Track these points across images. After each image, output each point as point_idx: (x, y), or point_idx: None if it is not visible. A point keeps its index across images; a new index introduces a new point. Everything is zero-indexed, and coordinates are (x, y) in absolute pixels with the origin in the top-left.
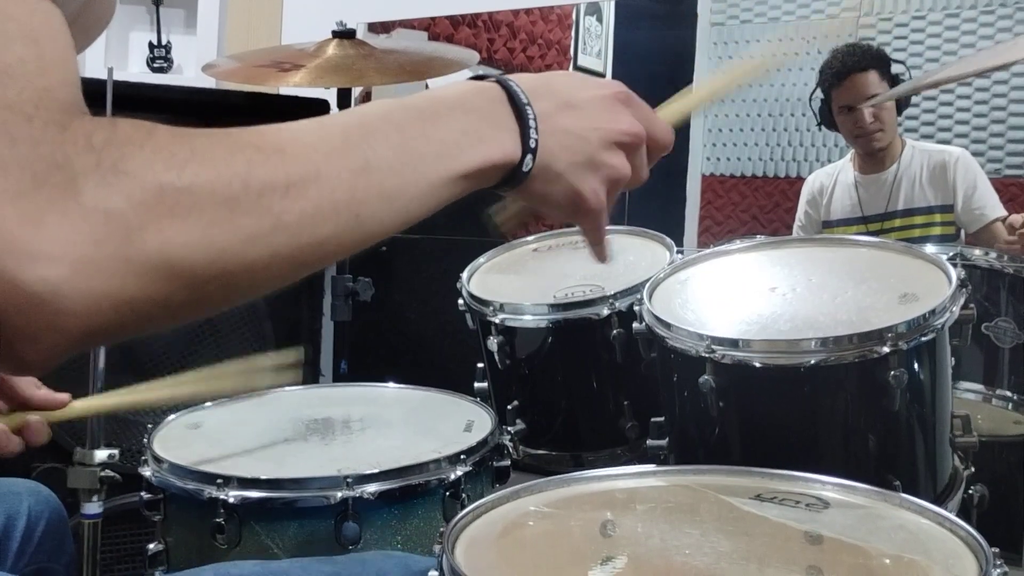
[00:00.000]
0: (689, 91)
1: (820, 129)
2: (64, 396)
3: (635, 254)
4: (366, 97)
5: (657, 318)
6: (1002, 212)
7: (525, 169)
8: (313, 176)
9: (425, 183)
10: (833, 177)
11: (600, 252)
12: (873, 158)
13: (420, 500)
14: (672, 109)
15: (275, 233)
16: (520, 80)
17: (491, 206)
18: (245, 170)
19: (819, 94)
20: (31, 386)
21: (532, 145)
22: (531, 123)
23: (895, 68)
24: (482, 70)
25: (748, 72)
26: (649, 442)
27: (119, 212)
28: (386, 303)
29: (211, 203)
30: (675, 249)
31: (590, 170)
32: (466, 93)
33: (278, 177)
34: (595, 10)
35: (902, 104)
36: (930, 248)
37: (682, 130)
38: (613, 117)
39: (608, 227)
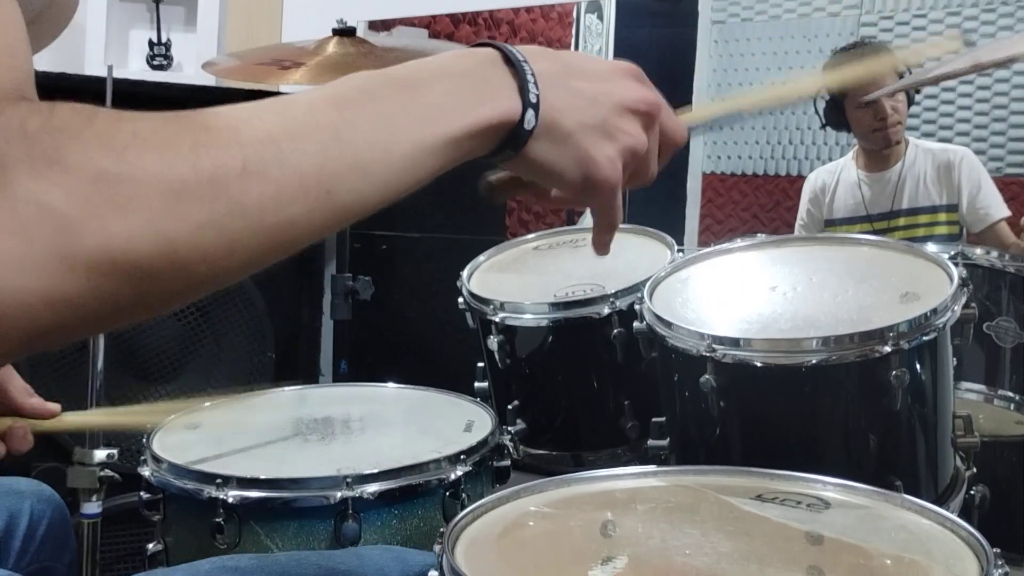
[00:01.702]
0: (715, 101)
1: (823, 128)
2: (54, 407)
3: (636, 253)
4: None
5: (658, 317)
6: (1006, 212)
7: (528, 127)
8: (273, 154)
9: (408, 152)
10: (836, 175)
11: (606, 240)
12: (878, 156)
13: (420, 500)
14: (691, 116)
15: (232, 218)
16: (520, 47)
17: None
18: (192, 152)
19: (823, 94)
20: (23, 393)
21: (533, 100)
22: (529, 78)
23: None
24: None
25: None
26: (650, 442)
27: (53, 205)
28: (386, 302)
29: (156, 191)
30: (676, 248)
31: (604, 136)
32: (453, 57)
33: (232, 157)
34: (596, 8)
35: (911, 98)
36: (931, 247)
37: None
38: (627, 84)
39: None
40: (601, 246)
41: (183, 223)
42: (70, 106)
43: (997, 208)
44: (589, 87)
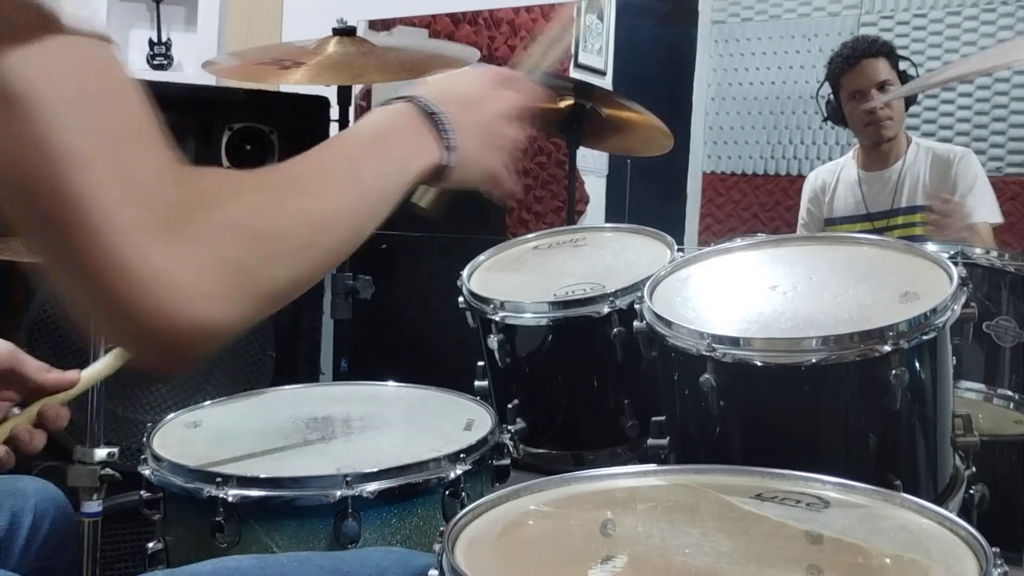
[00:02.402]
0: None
1: (825, 126)
2: (73, 374)
3: (636, 252)
4: (366, 95)
5: (658, 316)
6: (994, 219)
7: (451, 165)
8: (336, 211)
9: (393, 194)
10: (836, 174)
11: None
12: (878, 154)
13: (420, 499)
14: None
15: (321, 258)
16: (425, 92)
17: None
18: (307, 218)
19: (826, 89)
20: (41, 371)
21: (451, 144)
22: (447, 128)
23: (902, 64)
24: (482, 67)
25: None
26: (649, 441)
27: (239, 259)
28: (386, 301)
29: (297, 246)
30: (676, 247)
31: (496, 150)
32: (392, 117)
33: (324, 218)
34: (596, 8)
35: (910, 99)
36: (931, 247)
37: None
38: (500, 95)
39: (609, 225)
40: (499, 200)
41: (305, 268)
42: (216, 171)
43: (983, 212)
44: (479, 116)
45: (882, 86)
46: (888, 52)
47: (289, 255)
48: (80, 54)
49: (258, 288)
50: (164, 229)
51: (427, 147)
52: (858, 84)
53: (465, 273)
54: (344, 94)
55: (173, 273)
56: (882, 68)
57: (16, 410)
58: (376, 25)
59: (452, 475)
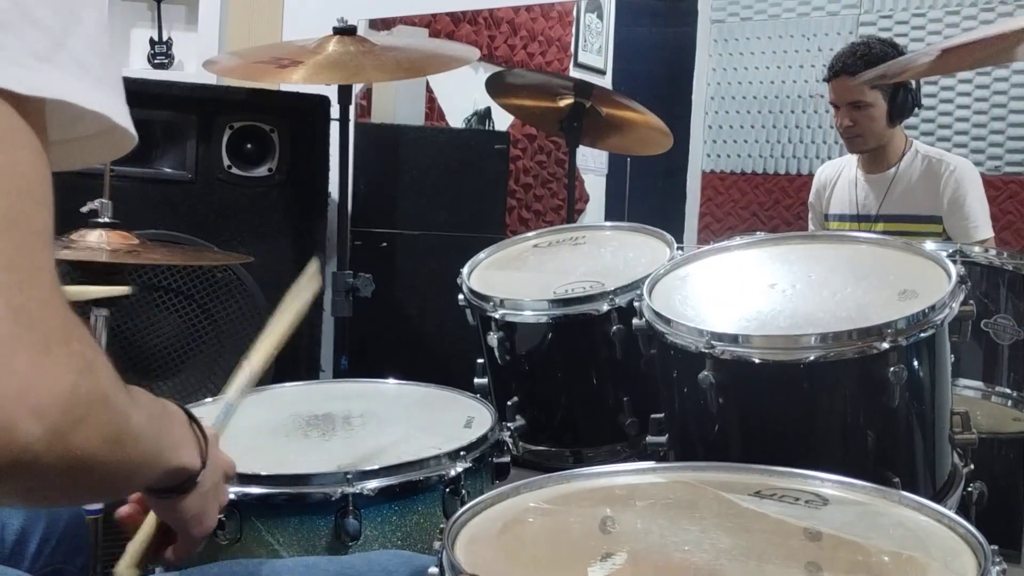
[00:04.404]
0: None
1: (824, 125)
2: None
3: (635, 250)
4: (367, 94)
5: (657, 314)
6: (980, 235)
7: (199, 479)
8: (140, 434)
9: (154, 466)
10: (838, 171)
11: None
12: (873, 157)
13: (420, 496)
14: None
15: (110, 469)
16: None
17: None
18: (127, 418)
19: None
20: None
21: (204, 463)
22: (204, 445)
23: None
24: (482, 67)
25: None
26: (649, 438)
27: (84, 403)
28: (386, 299)
29: (114, 431)
30: (675, 245)
31: (216, 496)
32: (170, 407)
33: (136, 432)
34: (596, 7)
35: (896, 113)
36: (930, 245)
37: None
38: (224, 455)
39: (609, 223)
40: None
41: (104, 458)
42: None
43: (972, 231)
44: (216, 455)
45: (855, 104)
46: (873, 66)
47: (110, 424)
48: None
49: (83, 435)
50: (38, 347)
51: (190, 450)
52: (832, 98)
53: (465, 271)
54: (344, 93)
55: (32, 382)
56: (856, 87)
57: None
58: (376, 24)
59: (452, 472)
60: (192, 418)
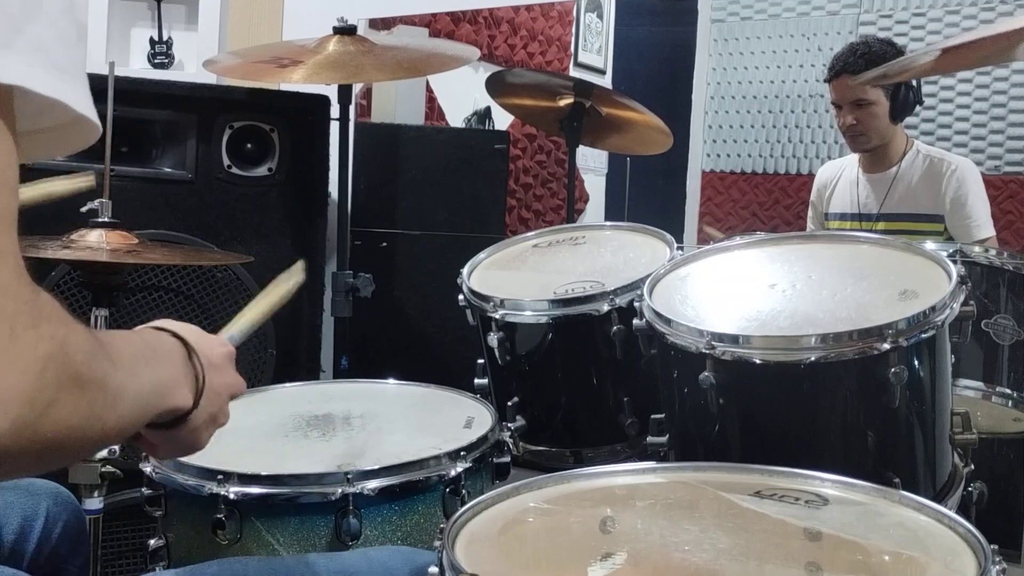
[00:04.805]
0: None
1: (824, 125)
2: None
3: (635, 250)
4: (367, 94)
5: (657, 314)
6: (982, 234)
7: (189, 418)
8: (121, 391)
9: (145, 413)
10: (840, 171)
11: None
12: (874, 157)
13: (420, 496)
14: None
15: (94, 433)
16: (192, 341)
17: None
18: (107, 381)
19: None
20: None
21: (199, 402)
22: (202, 382)
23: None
24: (482, 67)
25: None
26: (649, 439)
27: (54, 382)
28: (387, 299)
29: (92, 400)
30: (675, 245)
31: (213, 422)
32: (166, 346)
33: (115, 391)
34: (596, 6)
35: (899, 110)
36: (930, 245)
37: (682, 127)
38: (233, 376)
39: (609, 223)
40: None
41: (83, 425)
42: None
43: (973, 230)
44: (218, 382)
45: (858, 103)
46: (869, 67)
47: (83, 402)
48: None
49: (52, 420)
50: (3, 335)
51: (183, 391)
52: (834, 98)
53: (465, 271)
54: (345, 93)
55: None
56: (857, 85)
57: None
58: (376, 24)
59: (452, 472)
60: (190, 350)
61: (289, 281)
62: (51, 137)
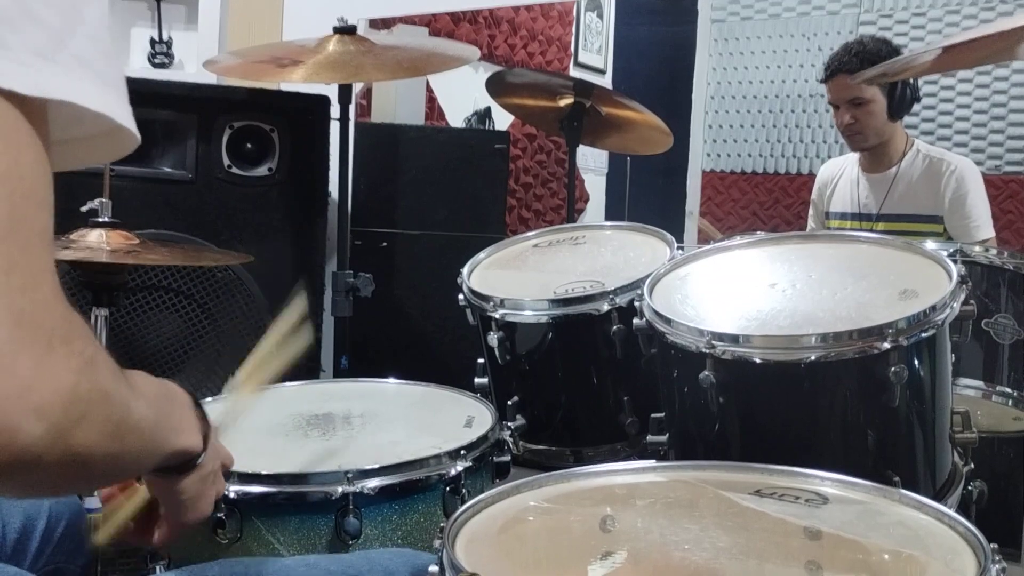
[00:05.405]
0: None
1: (824, 124)
2: None
3: (635, 250)
4: (367, 93)
5: (657, 314)
6: (981, 235)
7: (200, 461)
8: (140, 423)
9: (156, 452)
10: (840, 170)
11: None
12: (874, 156)
13: (420, 495)
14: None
15: (110, 460)
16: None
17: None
18: (128, 407)
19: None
20: None
21: (206, 444)
22: (208, 428)
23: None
24: (482, 67)
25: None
26: (649, 438)
27: (85, 399)
28: (387, 299)
29: (114, 424)
30: (675, 245)
31: (215, 481)
32: (174, 389)
33: (136, 421)
34: (596, 6)
35: (896, 107)
36: (930, 244)
37: (682, 127)
38: (222, 446)
39: (609, 223)
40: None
41: (103, 452)
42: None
43: (973, 231)
44: (216, 442)
45: (855, 102)
46: (866, 65)
47: (111, 419)
48: None
49: (84, 431)
50: (41, 348)
51: (194, 433)
52: (831, 97)
53: (465, 271)
54: (345, 92)
55: (34, 384)
56: (854, 84)
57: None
58: (376, 24)
59: (453, 472)
60: (196, 401)
61: (291, 316)
62: (87, 145)
